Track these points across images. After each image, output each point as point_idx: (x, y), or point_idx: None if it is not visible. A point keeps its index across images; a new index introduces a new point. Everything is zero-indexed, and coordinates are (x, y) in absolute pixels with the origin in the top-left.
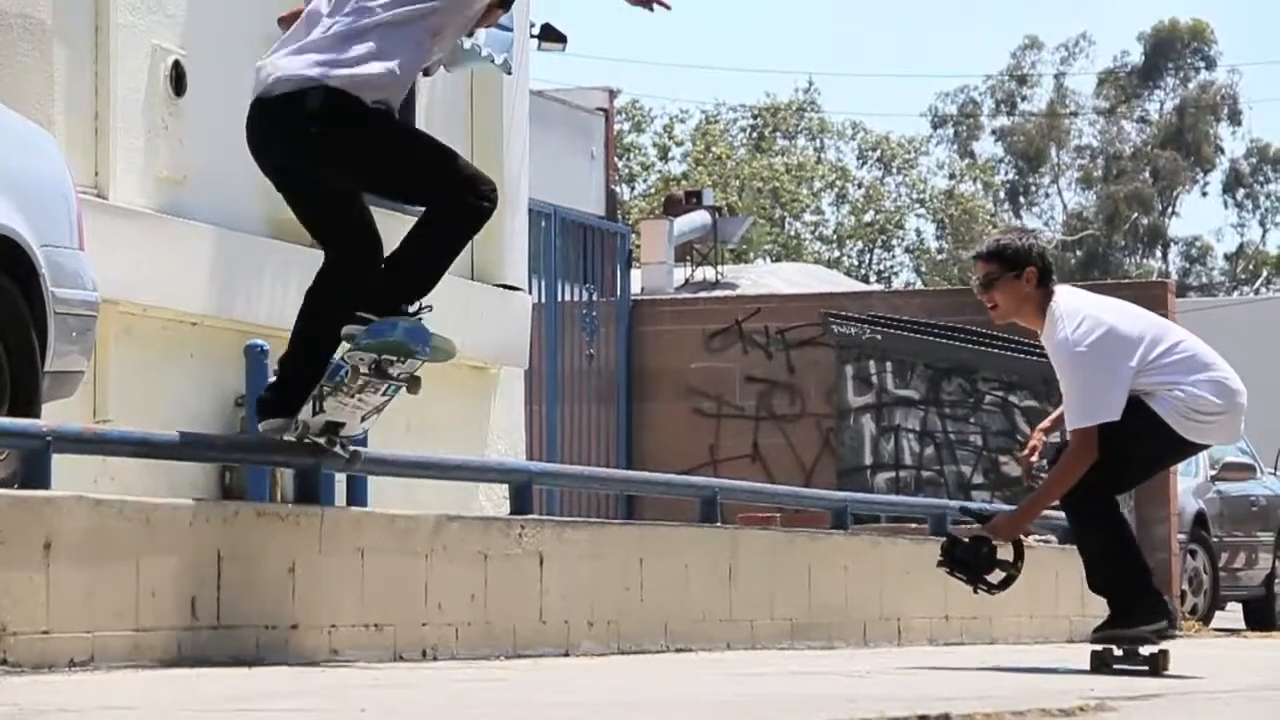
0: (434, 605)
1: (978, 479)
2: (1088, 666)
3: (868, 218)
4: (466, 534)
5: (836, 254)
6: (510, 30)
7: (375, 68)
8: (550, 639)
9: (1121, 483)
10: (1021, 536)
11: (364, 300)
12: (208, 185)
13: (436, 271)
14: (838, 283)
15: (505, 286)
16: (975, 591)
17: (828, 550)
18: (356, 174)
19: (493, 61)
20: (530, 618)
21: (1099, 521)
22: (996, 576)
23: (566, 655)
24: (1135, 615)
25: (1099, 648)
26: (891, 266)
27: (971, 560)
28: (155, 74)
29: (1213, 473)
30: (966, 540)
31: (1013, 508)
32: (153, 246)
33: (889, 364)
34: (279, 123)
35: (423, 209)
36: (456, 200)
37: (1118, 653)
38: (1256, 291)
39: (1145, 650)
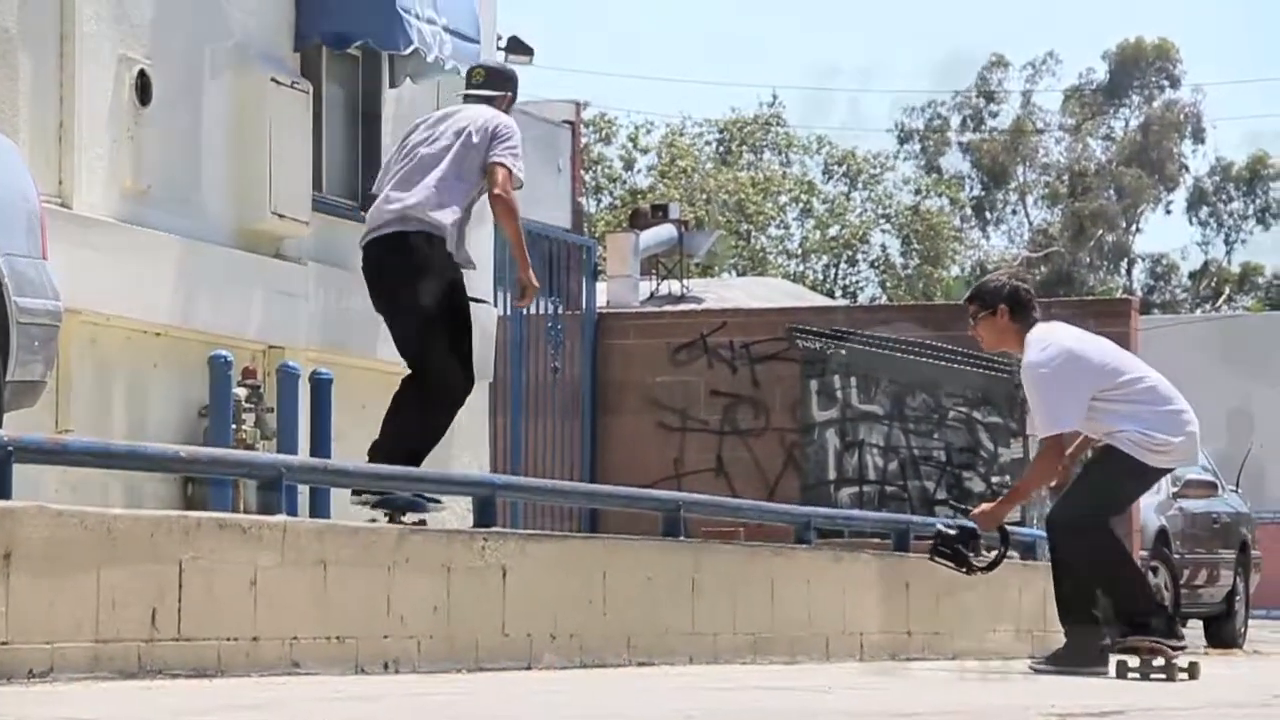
0: (396, 618)
1: (941, 494)
2: (1113, 674)
3: (833, 232)
4: (429, 547)
5: (802, 268)
6: (477, 42)
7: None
8: (512, 652)
9: (1112, 512)
10: (1006, 524)
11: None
12: (172, 195)
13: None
14: (803, 297)
15: (471, 299)
16: (966, 573)
17: (790, 565)
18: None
19: (459, 73)
20: (493, 631)
21: (1109, 547)
22: (983, 561)
23: (529, 669)
24: (1152, 628)
25: (1123, 658)
26: (857, 281)
27: (957, 547)
28: (121, 83)
29: (1175, 490)
30: (953, 532)
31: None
32: (117, 256)
33: (853, 379)
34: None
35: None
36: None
37: (1135, 662)
38: (1218, 309)
39: (1159, 661)
